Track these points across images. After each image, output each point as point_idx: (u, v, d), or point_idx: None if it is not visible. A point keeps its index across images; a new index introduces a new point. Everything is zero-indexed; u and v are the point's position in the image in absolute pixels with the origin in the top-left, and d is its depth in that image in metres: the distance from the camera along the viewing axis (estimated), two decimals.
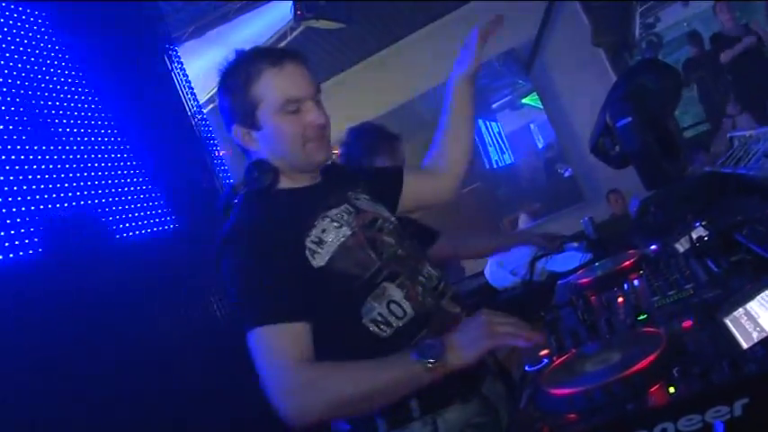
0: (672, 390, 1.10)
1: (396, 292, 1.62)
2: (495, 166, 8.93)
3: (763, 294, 1.23)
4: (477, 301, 4.66)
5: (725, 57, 6.38)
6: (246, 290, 1.57)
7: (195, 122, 4.59)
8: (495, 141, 9.05)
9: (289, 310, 1.52)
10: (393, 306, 1.61)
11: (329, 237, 1.62)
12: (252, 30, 6.98)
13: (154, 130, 4.06)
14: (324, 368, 1.49)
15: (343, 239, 1.63)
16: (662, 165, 3.13)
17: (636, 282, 1.90)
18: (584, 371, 1.31)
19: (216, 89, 1.73)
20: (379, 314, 1.59)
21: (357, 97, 7.55)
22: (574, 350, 1.51)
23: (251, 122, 1.66)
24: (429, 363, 1.40)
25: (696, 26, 10.29)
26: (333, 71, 8.44)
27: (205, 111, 5.87)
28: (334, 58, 8.18)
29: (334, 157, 1.98)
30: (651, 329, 1.38)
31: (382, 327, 1.59)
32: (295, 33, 6.96)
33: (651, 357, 1.19)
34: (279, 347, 1.48)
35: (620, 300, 1.80)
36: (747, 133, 3.18)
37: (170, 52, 4.66)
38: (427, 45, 8.05)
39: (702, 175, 3.18)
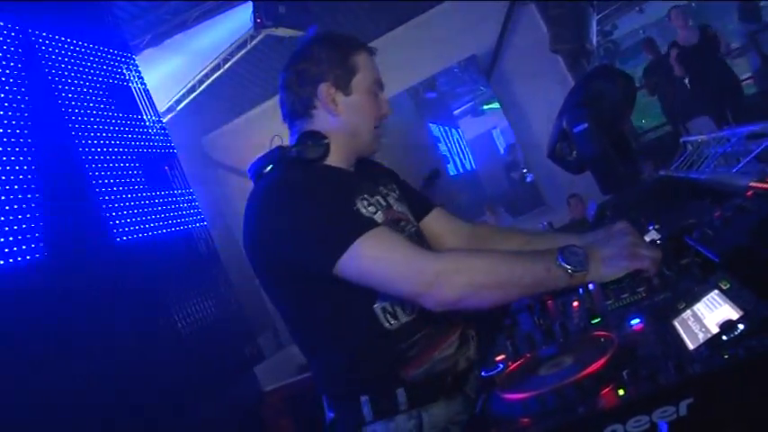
0: (621, 392, 1.11)
1: None
2: (457, 172, 8.97)
3: (708, 296, 1.26)
4: None
5: (678, 70, 6.51)
6: (323, 218, 1.52)
7: (154, 131, 4.55)
8: (457, 148, 9.11)
9: (372, 220, 1.57)
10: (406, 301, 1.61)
11: (367, 215, 1.64)
12: (211, 38, 6.93)
13: (111, 140, 4.02)
14: (457, 251, 1.58)
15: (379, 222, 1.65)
16: (618, 169, 3.17)
17: (591, 286, 1.93)
18: (538, 375, 1.33)
19: (301, 52, 1.74)
20: (391, 304, 1.59)
21: None
22: (529, 354, 1.52)
23: (344, 85, 1.70)
24: (570, 269, 1.41)
25: (652, 33, 10.52)
26: None
27: (164, 120, 5.82)
28: None
29: None
30: (603, 333, 1.40)
31: (389, 317, 1.59)
32: (255, 41, 6.93)
33: (602, 361, 1.21)
34: (396, 243, 1.49)
35: (576, 304, 1.82)
36: (699, 138, 3.25)
37: (128, 60, 4.62)
38: (388, 52, 8.04)
39: (657, 180, 3.24)
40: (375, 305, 1.59)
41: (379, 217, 1.65)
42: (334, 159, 1.71)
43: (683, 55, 6.44)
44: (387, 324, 1.59)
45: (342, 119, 1.71)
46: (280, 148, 1.71)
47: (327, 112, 1.70)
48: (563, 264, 1.41)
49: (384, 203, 1.73)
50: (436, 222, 1.97)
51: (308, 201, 1.55)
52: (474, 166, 9.11)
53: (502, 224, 8.13)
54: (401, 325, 1.60)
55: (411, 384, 1.58)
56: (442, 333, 1.64)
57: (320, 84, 1.68)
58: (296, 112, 1.74)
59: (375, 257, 1.46)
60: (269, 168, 1.67)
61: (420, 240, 1.78)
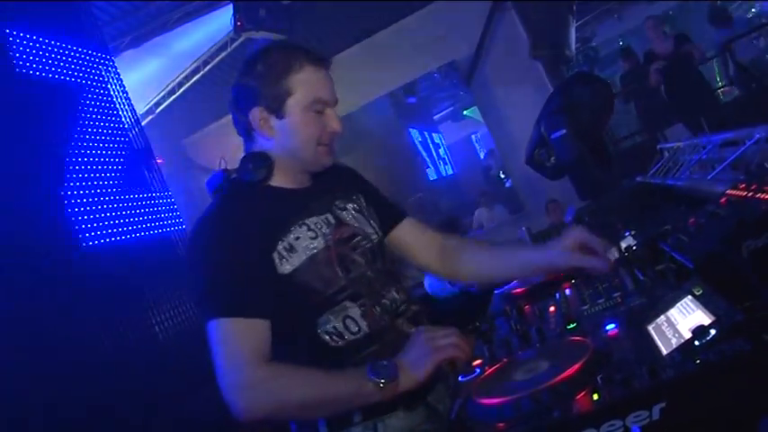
0: (596, 396, 1.12)
1: (354, 311, 1.63)
2: (437, 176, 9.00)
3: (682, 302, 1.28)
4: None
5: (654, 78, 6.55)
6: (213, 278, 1.56)
7: (132, 133, 4.52)
8: (438, 152, 9.14)
9: (252, 305, 1.52)
10: (348, 321, 1.61)
11: (301, 245, 1.61)
12: (191, 40, 6.90)
13: (90, 142, 3.99)
14: (277, 370, 1.50)
15: (314, 252, 1.62)
16: (595, 175, 3.20)
17: (567, 291, 1.95)
18: (514, 380, 1.34)
19: (243, 69, 1.70)
20: (334, 327, 1.60)
21: None
22: (506, 359, 1.53)
23: (276, 109, 1.65)
24: (381, 383, 1.43)
25: (630, 41, 10.62)
26: None
27: (144, 122, 5.79)
28: None
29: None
30: (579, 338, 1.42)
31: (335, 338, 1.60)
32: (235, 44, 6.91)
33: (577, 366, 1.22)
34: (237, 342, 1.49)
35: (552, 309, 1.84)
36: (676, 145, 3.29)
37: (107, 62, 4.59)
38: (369, 57, 8.09)
39: (634, 186, 3.27)
40: (318, 330, 1.60)
41: (319, 243, 1.63)
42: (280, 179, 1.70)
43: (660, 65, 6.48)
44: (333, 343, 1.60)
45: (277, 142, 1.68)
46: (224, 170, 1.71)
47: (261, 135, 1.68)
48: (372, 378, 1.43)
49: (333, 222, 1.70)
50: (406, 234, 1.93)
51: (214, 258, 1.57)
52: (454, 171, 9.14)
53: (497, 218, 8.16)
54: (347, 342, 1.60)
55: None
56: (396, 346, 1.60)
57: (252, 108, 1.66)
58: (241, 133, 1.74)
59: (217, 344, 1.50)
60: (218, 191, 1.70)
61: (374, 257, 1.74)
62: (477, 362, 1.62)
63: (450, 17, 7.88)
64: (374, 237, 1.78)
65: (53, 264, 3.30)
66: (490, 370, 1.49)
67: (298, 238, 1.61)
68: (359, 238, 1.73)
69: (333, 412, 1.54)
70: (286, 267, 1.58)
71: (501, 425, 1.19)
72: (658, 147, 3.71)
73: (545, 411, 1.15)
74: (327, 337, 1.59)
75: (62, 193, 3.56)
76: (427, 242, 1.93)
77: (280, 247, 1.59)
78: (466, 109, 9.08)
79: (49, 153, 3.61)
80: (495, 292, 2.51)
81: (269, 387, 1.46)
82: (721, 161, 2.35)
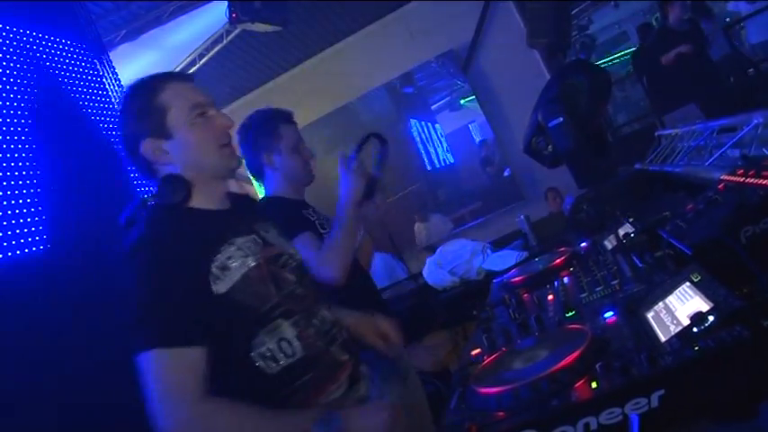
0: (594, 384, 1.12)
1: (288, 331, 1.60)
2: (435, 166, 8.99)
3: (680, 289, 1.28)
4: (417, 302, 4.71)
5: (666, 59, 6.44)
6: (145, 306, 1.50)
7: None
8: (435, 142, 9.12)
9: (187, 333, 1.47)
10: (283, 344, 1.58)
11: (233, 264, 1.58)
12: (186, 33, 6.86)
13: (85, 138, 3.97)
14: (217, 405, 1.45)
15: (246, 270, 1.59)
16: (593, 163, 3.20)
17: (566, 279, 1.95)
18: (513, 369, 1.34)
19: (118, 121, 1.68)
20: (269, 349, 1.56)
21: (295, 100, 7.50)
22: (504, 348, 1.53)
23: (161, 131, 1.62)
24: None
25: (627, 27, 10.59)
26: (270, 74, 8.38)
27: None
28: (272, 61, 8.12)
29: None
30: (577, 326, 1.41)
31: (269, 362, 1.56)
32: (231, 36, 6.88)
33: (575, 354, 1.22)
34: (173, 375, 1.43)
35: (551, 297, 1.84)
36: (673, 132, 3.28)
37: (101, 56, 4.57)
38: (365, 47, 8.08)
39: (632, 173, 3.27)
40: (252, 353, 1.55)
41: (251, 261, 1.60)
42: (200, 200, 1.67)
43: (674, 43, 6.35)
44: (269, 369, 1.55)
45: (179, 161, 1.65)
46: (141, 199, 1.68)
47: (162, 165, 1.65)
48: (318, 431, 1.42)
49: (260, 241, 1.68)
50: None
51: (147, 286, 1.52)
52: (452, 161, 9.12)
53: (438, 232, 8.07)
54: (282, 368, 1.56)
55: None
56: (330, 374, 1.61)
57: (140, 144, 1.63)
58: (144, 176, 1.71)
59: (151, 380, 1.42)
60: (133, 222, 1.65)
61: (302, 275, 1.75)
62: (476, 351, 1.63)
63: (447, 6, 7.86)
64: (297, 257, 1.79)
65: (55, 258, 3.30)
66: (489, 359, 1.49)
67: (230, 258, 1.58)
68: (285, 257, 1.73)
69: None
70: (221, 287, 1.54)
71: (500, 414, 1.19)
72: (656, 134, 3.70)
73: (544, 400, 1.15)
74: (262, 362, 1.55)
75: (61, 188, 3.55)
76: None
77: (213, 267, 1.55)
78: (464, 98, 9.04)
79: (45, 149, 3.59)
80: (494, 280, 2.51)
81: (207, 426, 1.41)
82: (719, 147, 2.34)
